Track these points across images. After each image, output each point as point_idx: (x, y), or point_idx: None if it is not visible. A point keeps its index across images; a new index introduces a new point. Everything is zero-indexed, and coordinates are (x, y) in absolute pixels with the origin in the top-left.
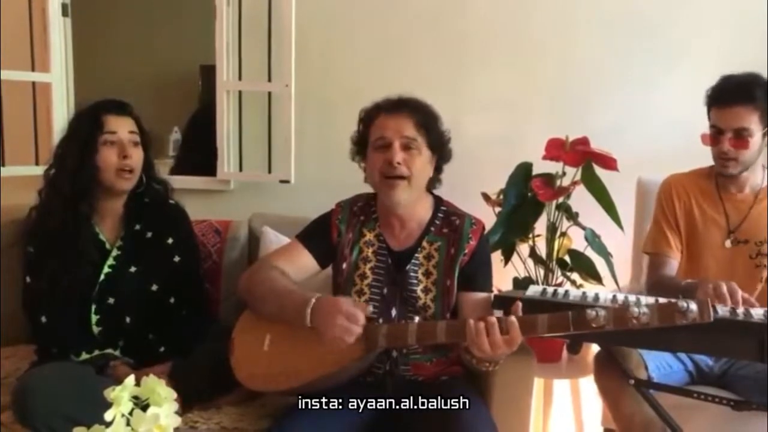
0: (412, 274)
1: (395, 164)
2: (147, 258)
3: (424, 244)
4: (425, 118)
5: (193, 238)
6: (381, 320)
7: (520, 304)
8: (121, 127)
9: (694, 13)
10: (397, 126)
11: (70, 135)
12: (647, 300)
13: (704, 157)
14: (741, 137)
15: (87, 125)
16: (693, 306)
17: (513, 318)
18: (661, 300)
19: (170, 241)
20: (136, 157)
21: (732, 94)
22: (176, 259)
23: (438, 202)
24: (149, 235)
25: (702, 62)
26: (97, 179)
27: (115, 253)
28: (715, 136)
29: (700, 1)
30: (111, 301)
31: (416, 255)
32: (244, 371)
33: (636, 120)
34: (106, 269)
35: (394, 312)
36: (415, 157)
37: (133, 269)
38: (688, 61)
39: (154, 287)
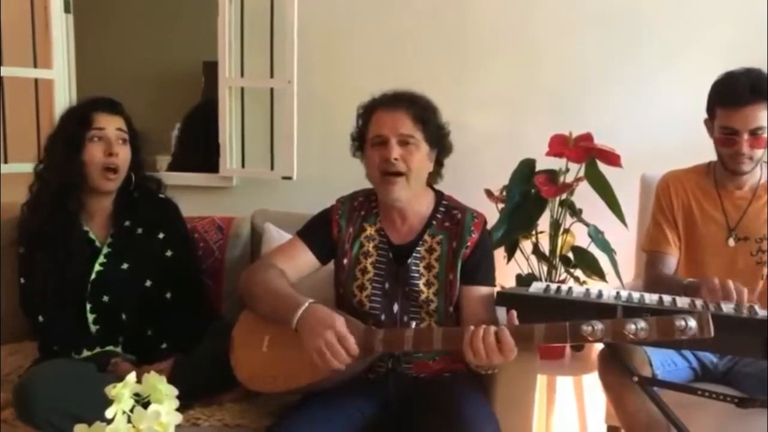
0: (413, 267)
1: (392, 160)
2: (138, 254)
3: (426, 237)
4: (422, 111)
5: (185, 231)
6: (383, 317)
7: (515, 312)
8: (109, 124)
9: (696, 8)
10: (394, 122)
11: (59, 131)
12: (650, 297)
13: (707, 153)
14: (758, 136)
15: (75, 122)
16: (692, 323)
17: (507, 327)
18: (665, 296)
19: (161, 235)
20: (123, 155)
21: (745, 94)
22: (168, 253)
23: (439, 196)
24: (139, 231)
25: (704, 58)
26: (83, 176)
27: (105, 251)
28: (728, 137)
29: None
30: (105, 299)
31: (417, 248)
32: (244, 372)
33: (639, 116)
34: (97, 267)
35: (396, 307)
36: (413, 152)
37: (125, 266)
38: (690, 56)
39: (148, 283)
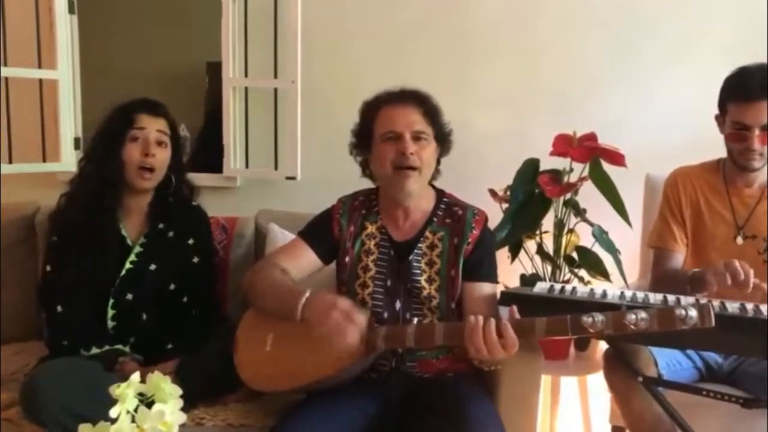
0: (415, 264)
1: (408, 155)
2: (168, 257)
3: (427, 234)
4: (431, 109)
5: (212, 240)
6: (386, 314)
7: (515, 307)
8: (150, 125)
9: (698, 8)
10: (407, 117)
11: (101, 130)
12: (655, 297)
13: (711, 152)
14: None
15: (117, 121)
16: (692, 312)
17: (508, 321)
18: (669, 295)
19: (191, 241)
20: (160, 156)
21: (759, 90)
22: (195, 260)
23: (440, 194)
24: (171, 234)
25: (707, 56)
26: (121, 174)
27: (137, 250)
28: (740, 133)
29: None
30: (129, 297)
31: (419, 245)
32: (247, 372)
33: (643, 115)
34: (127, 265)
35: (398, 305)
36: (425, 147)
37: (153, 267)
38: (693, 55)
39: (172, 286)
